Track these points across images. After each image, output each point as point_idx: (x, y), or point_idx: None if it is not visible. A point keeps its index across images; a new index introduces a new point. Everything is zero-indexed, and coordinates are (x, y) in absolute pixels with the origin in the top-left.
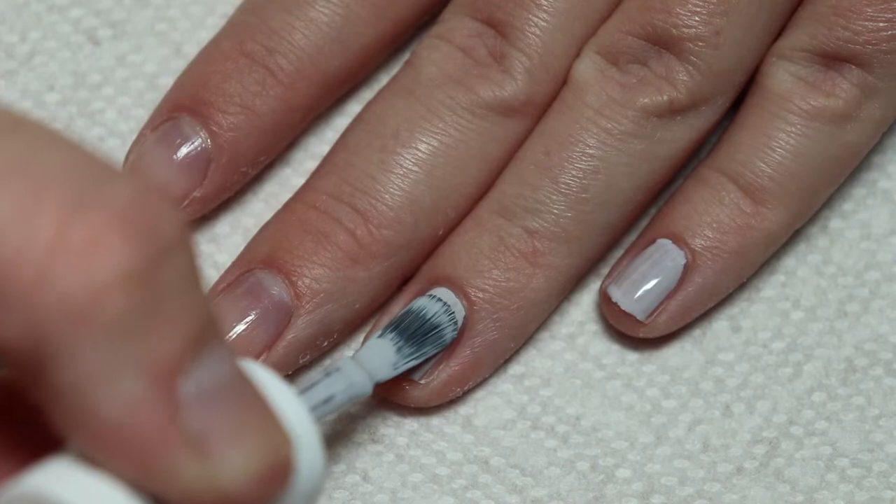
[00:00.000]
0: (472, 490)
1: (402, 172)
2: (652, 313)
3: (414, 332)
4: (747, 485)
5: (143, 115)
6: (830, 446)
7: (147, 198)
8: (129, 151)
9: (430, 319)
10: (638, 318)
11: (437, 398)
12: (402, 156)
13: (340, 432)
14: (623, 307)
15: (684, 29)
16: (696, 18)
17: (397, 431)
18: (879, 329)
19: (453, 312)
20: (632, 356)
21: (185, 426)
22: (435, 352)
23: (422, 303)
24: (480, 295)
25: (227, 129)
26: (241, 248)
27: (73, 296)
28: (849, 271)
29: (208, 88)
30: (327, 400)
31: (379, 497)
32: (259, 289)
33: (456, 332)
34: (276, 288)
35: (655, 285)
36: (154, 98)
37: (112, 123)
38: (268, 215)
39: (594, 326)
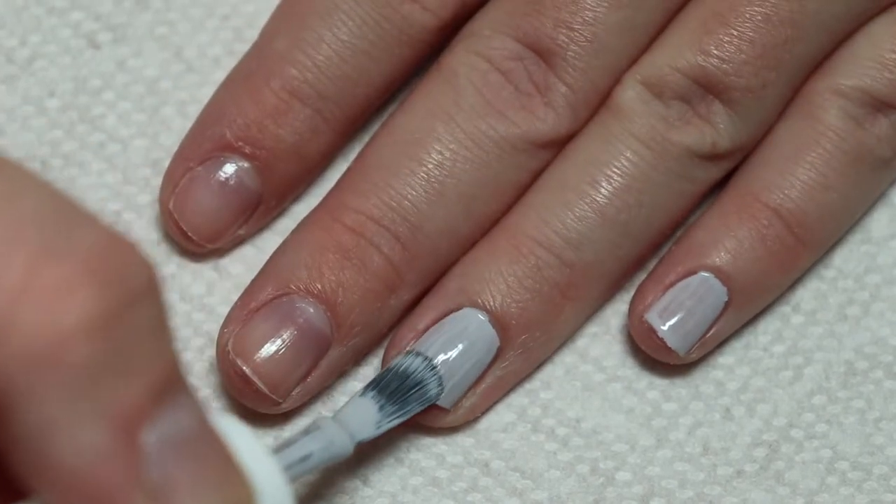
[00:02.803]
0: (473, 493)
1: (444, 204)
2: (691, 348)
3: (395, 389)
4: (747, 488)
5: (143, 119)
6: (831, 449)
7: (115, 244)
8: (172, 178)
9: (411, 376)
10: (680, 353)
11: (462, 421)
12: (446, 186)
13: None
14: (669, 343)
15: (734, 78)
16: (748, 69)
17: (397, 435)
18: (879, 332)
19: (436, 367)
20: (632, 359)
21: (146, 476)
22: (420, 409)
23: (401, 360)
24: (514, 326)
25: (280, 175)
26: (244, 250)
27: (38, 341)
28: (849, 275)
29: (263, 132)
30: (304, 458)
31: (379, 501)
32: (297, 314)
33: (441, 388)
34: (315, 315)
35: (700, 322)
36: (154, 102)
37: (113, 129)
38: (275, 220)
39: (594, 329)
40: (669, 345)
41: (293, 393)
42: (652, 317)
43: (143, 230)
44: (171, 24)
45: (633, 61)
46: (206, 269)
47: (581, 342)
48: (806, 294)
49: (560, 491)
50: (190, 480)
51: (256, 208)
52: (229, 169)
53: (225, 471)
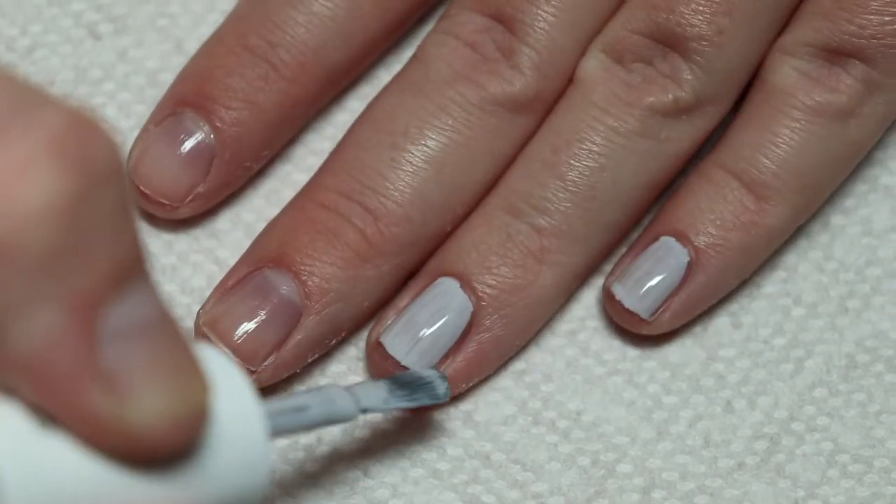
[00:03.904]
0: (473, 485)
1: (412, 170)
2: (656, 311)
3: (408, 381)
4: (748, 480)
5: (143, 110)
6: (832, 442)
7: (80, 123)
8: (133, 146)
9: (424, 376)
10: (642, 316)
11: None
12: (413, 153)
13: (341, 427)
14: (627, 305)
15: (688, 28)
16: (700, 17)
17: (398, 426)
18: (880, 325)
19: (446, 377)
20: (633, 352)
21: (101, 361)
22: (429, 403)
23: (419, 368)
24: (488, 291)
25: (230, 123)
26: (243, 243)
27: None
28: (850, 267)
29: (211, 83)
30: (300, 409)
31: (380, 492)
32: (268, 287)
33: (449, 392)
34: (286, 287)
35: (659, 283)
36: (155, 94)
37: (113, 119)
38: (269, 211)
39: (595, 322)
40: (627, 306)
41: (266, 363)
42: (613, 284)
43: (142, 219)
44: (171, 17)
45: (599, 20)
46: (206, 263)
47: (582, 336)
48: (807, 286)
49: (561, 483)
50: (143, 366)
51: (211, 161)
52: (179, 122)
53: (181, 362)
